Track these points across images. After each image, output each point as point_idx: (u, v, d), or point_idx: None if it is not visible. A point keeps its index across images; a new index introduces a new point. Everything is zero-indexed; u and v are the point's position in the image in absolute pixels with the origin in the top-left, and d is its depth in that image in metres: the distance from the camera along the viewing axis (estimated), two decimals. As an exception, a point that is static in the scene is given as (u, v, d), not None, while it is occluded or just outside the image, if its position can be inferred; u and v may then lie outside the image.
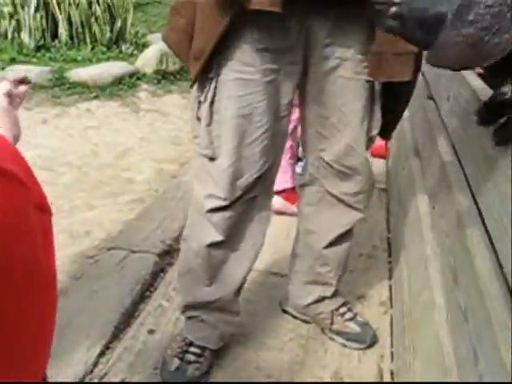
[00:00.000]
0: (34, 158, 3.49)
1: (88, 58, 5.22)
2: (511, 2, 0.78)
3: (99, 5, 5.51)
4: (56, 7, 5.38)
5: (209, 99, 1.54)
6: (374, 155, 3.59)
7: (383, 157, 3.55)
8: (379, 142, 3.43)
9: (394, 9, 0.98)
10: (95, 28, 5.45)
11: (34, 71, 4.73)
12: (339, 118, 1.62)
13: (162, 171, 3.43)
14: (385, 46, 1.46)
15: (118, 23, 5.56)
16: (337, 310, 1.97)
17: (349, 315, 1.97)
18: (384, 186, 3.24)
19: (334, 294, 1.96)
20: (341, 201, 1.76)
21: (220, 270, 1.71)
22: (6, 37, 5.44)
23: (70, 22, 5.43)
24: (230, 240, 1.67)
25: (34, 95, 4.60)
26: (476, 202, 1.37)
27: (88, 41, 5.46)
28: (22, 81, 1.23)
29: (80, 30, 5.45)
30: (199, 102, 1.57)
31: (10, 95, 1.05)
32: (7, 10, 5.39)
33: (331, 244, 1.84)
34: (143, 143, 3.90)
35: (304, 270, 1.92)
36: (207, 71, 1.52)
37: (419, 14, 0.94)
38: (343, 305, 1.99)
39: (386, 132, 1.75)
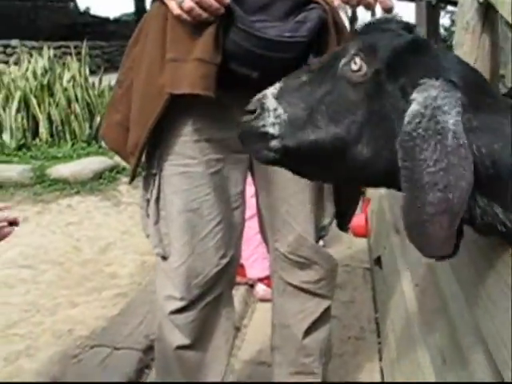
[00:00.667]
0: (15, 257, 3.46)
1: (68, 154, 5.28)
2: (451, 148, 0.73)
3: (78, 103, 5.63)
4: (37, 107, 5.50)
5: (154, 196, 1.48)
6: (356, 235, 3.61)
7: (364, 236, 3.57)
8: (360, 221, 3.49)
9: (274, 142, 0.93)
10: (75, 125, 5.55)
11: (15, 170, 4.77)
12: (287, 209, 1.58)
13: (144, 264, 3.41)
14: None
15: (97, 119, 5.67)
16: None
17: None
18: (368, 265, 3.24)
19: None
20: (303, 290, 1.69)
21: (198, 371, 1.60)
22: None
23: (50, 121, 5.53)
24: (200, 341, 1.58)
25: (16, 194, 4.62)
26: (457, 279, 1.37)
27: (68, 138, 5.54)
28: (13, 222, 1.27)
29: (60, 127, 5.54)
30: (147, 200, 1.52)
31: None
32: (-12, 112, 5.49)
33: (308, 333, 1.75)
34: (125, 236, 3.89)
35: (287, 362, 1.82)
36: (150, 167, 1.48)
37: (308, 146, 0.89)
38: None
39: (341, 223, 1.71)
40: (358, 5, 1.43)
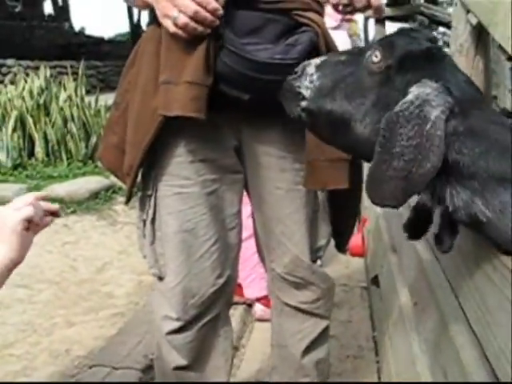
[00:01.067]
0: (11, 277, 3.43)
1: (64, 174, 5.29)
2: (427, 133, 0.86)
3: (74, 123, 5.66)
4: (33, 126, 5.51)
5: (150, 217, 1.49)
6: (353, 254, 3.63)
7: (361, 255, 3.59)
8: (357, 241, 3.51)
9: (303, 103, 1.10)
10: (71, 145, 5.56)
11: (11, 189, 4.77)
12: (282, 230, 1.58)
13: (141, 283, 3.40)
14: (315, 153, 1.44)
15: (93, 139, 5.69)
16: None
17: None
18: (365, 284, 3.25)
19: None
20: (300, 310, 1.69)
21: None
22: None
23: (46, 140, 5.55)
24: (198, 362, 1.57)
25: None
26: (456, 296, 1.39)
27: (64, 157, 5.56)
28: (54, 213, 1.26)
29: (56, 147, 5.56)
30: (143, 221, 1.52)
31: (30, 221, 1.05)
32: (-16, 132, 5.50)
33: (306, 353, 1.74)
34: (122, 256, 3.89)
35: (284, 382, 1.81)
36: (145, 188, 1.49)
37: (325, 114, 1.06)
38: None
39: (339, 244, 1.72)
40: (350, 9, 1.48)
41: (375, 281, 2.78)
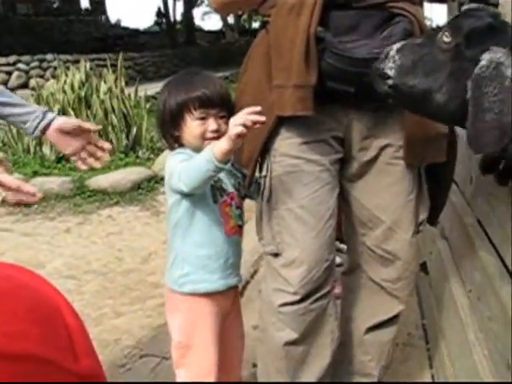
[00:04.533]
0: (58, 268, 3.51)
1: (106, 165, 5.35)
2: (507, 88, 1.04)
3: (115, 114, 5.71)
4: (74, 120, 5.58)
5: (266, 196, 1.59)
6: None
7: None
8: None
9: (389, 81, 1.27)
10: (112, 136, 5.62)
11: (55, 182, 4.86)
12: (377, 204, 1.64)
13: (186, 272, 3.42)
14: (414, 130, 1.52)
15: (134, 130, 5.74)
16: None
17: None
18: (412, 270, 3.19)
19: None
20: (382, 288, 1.73)
21: (300, 369, 1.66)
22: (28, 151, 5.62)
23: (88, 133, 5.61)
24: (307, 337, 1.63)
25: (57, 205, 4.70)
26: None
27: (106, 149, 5.61)
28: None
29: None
30: (259, 202, 1.63)
31: None
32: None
33: (371, 329, 1.79)
34: (166, 246, 3.89)
35: (347, 360, 1.85)
36: (260, 170, 1.60)
37: (408, 88, 1.24)
38: None
39: (432, 217, 1.75)
40: None
41: (423, 267, 2.72)
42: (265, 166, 1.60)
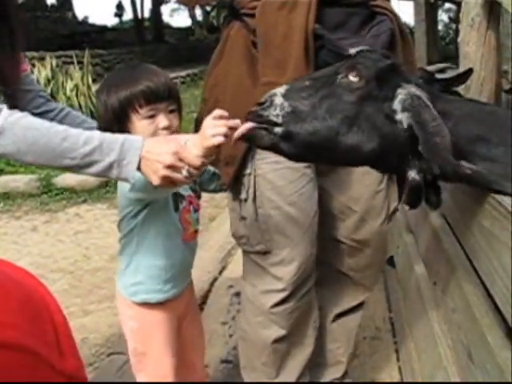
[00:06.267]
0: (26, 267, 3.44)
1: (74, 163, 5.29)
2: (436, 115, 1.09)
3: (82, 112, 5.64)
4: (40, 117, 5.50)
5: (251, 195, 1.55)
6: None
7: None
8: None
9: (278, 129, 1.15)
10: (79, 134, 5.55)
11: (22, 180, 4.79)
12: (350, 195, 1.65)
13: (155, 270, 3.40)
14: None
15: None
16: (348, 399, 1.91)
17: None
18: (380, 265, 3.23)
19: (344, 376, 1.90)
20: (349, 277, 1.76)
21: (285, 361, 1.68)
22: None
23: (54, 131, 5.53)
24: (294, 331, 1.65)
25: (23, 204, 4.63)
26: (478, 274, 1.37)
27: (73, 147, 5.54)
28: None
29: (65, 137, 5.54)
30: (241, 201, 1.58)
31: None
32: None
33: (337, 317, 1.83)
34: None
35: (316, 351, 1.84)
36: (244, 168, 1.55)
37: (308, 135, 1.15)
38: None
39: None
40: None
41: (391, 262, 2.76)
42: (248, 163, 1.55)
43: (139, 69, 1.51)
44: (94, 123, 1.61)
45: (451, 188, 1.81)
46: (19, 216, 4.42)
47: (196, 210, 1.60)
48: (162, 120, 1.44)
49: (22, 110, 1.30)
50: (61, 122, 1.51)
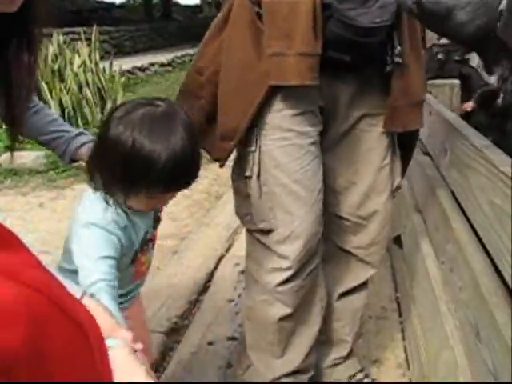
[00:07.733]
0: (32, 243, 3.46)
1: (81, 140, 5.28)
2: None
3: (89, 88, 5.62)
4: (48, 93, 5.49)
5: (255, 172, 1.53)
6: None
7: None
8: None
9: None
10: (86, 110, 5.54)
11: (29, 157, 4.78)
12: (355, 170, 1.64)
13: (162, 248, 3.39)
14: (400, 99, 1.53)
15: (109, 104, 5.66)
16: (353, 376, 1.90)
17: (366, 382, 1.91)
18: (386, 244, 3.21)
19: (349, 355, 1.90)
20: (353, 255, 1.75)
21: (291, 340, 1.68)
22: (0, 126, 5.51)
23: (61, 107, 5.52)
24: (300, 309, 1.64)
25: (30, 180, 4.63)
26: (488, 253, 1.35)
27: (80, 123, 5.54)
28: None
29: (72, 113, 5.54)
30: (245, 178, 1.56)
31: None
32: None
33: (342, 296, 1.82)
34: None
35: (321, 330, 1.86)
36: (248, 145, 1.53)
37: (433, 4, 1.32)
38: (360, 371, 1.92)
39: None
40: None
41: (398, 241, 2.74)
42: (253, 140, 1.52)
43: (186, 153, 1.16)
44: (65, 125, 1.52)
45: (460, 164, 1.79)
46: (26, 192, 4.42)
47: (153, 244, 1.42)
48: (162, 204, 1.30)
49: None
50: (29, 117, 1.44)
